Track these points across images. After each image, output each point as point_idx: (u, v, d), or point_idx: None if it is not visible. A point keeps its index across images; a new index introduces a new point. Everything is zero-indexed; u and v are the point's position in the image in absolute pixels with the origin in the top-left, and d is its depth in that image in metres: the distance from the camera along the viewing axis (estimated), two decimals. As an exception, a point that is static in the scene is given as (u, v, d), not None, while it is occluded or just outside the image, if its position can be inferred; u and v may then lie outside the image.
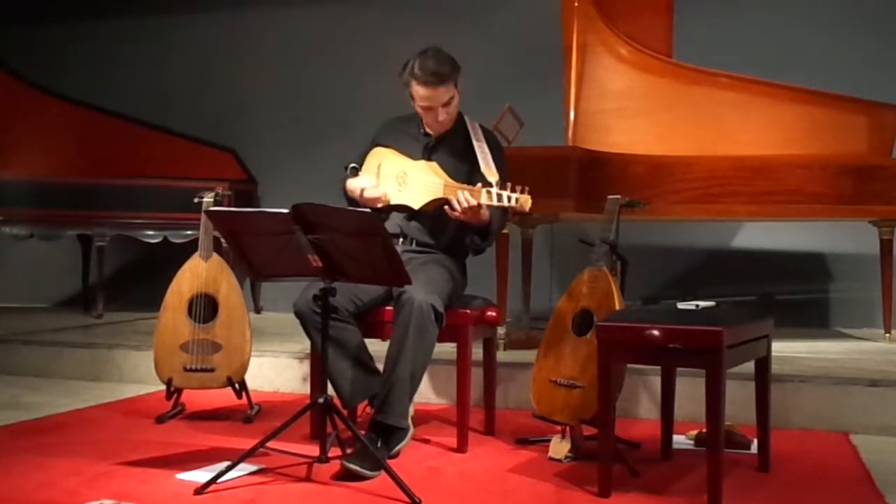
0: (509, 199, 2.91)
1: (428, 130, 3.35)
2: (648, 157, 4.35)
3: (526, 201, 2.90)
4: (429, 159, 3.27)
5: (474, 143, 3.22)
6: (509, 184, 2.94)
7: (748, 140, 4.54)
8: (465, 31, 5.75)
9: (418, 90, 3.19)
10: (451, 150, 3.31)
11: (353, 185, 3.28)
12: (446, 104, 3.22)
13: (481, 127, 3.31)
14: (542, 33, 5.19)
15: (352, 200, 3.32)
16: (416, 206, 3.19)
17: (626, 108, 4.68)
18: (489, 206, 3.03)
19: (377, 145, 3.39)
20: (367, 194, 3.23)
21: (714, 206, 4.38)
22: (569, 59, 4.52)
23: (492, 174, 3.05)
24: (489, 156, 3.17)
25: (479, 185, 2.99)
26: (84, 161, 5.94)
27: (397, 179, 3.25)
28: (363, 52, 6.14)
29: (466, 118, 3.34)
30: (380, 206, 3.23)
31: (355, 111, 5.50)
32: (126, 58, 6.81)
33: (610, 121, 4.64)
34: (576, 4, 4.51)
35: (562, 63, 4.55)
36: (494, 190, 2.93)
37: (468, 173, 3.21)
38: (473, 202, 2.98)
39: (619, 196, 3.27)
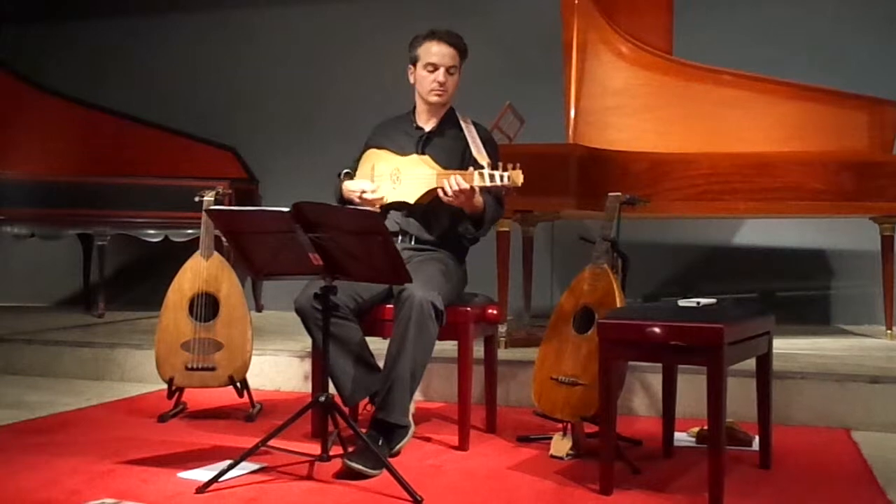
0: (501, 178, 2.92)
1: (419, 123, 3.36)
2: (649, 155, 4.35)
3: (517, 176, 2.91)
4: (422, 153, 3.28)
5: (465, 130, 3.23)
6: (500, 163, 2.95)
7: (749, 137, 4.54)
8: (465, 30, 5.69)
9: (430, 47, 3.28)
10: (443, 142, 3.32)
11: (351, 187, 3.29)
12: (450, 71, 3.28)
13: (473, 122, 3.32)
14: (542, 31, 5.19)
15: (344, 203, 3.32)
16: (412, 200, 3.19)
17: (627, 105, 4.68)
18: (484, 193, 3.05)
19: (370, 147, 3.40)
20: (366, 196, 3.23)
21: (715, 203, 4.38)
22: (569, 56, 4.51)
23: (483, 158, 3.06)
24: (479, 142, 3.19)
25: (471, 168, 3.00)
26: (85, 160, 5.94)
27: (391, 177, 3.26)
28: (364, 52, 6.14)
29: (457, 112, 3.35)
30: (378, 207, 3.23)
31: (356, 110, 5.50)
32: (126, 56, 6.81)
33: (610, 118, 4.64)
34: (576, 2, 4.50)
35: (562, 61, 4.54)
36: (486, 171, 2.94)
37: (461, 164, 3.22)
38: (465, 185, 2.98)
39: (619, 193, 3.27)
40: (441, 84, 3.27)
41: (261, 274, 2.95)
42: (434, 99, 3.31)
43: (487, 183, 2.94)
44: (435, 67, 3.27)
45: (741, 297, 5.42)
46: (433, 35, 3.29)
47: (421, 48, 3.30)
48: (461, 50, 3.30)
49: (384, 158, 3.32)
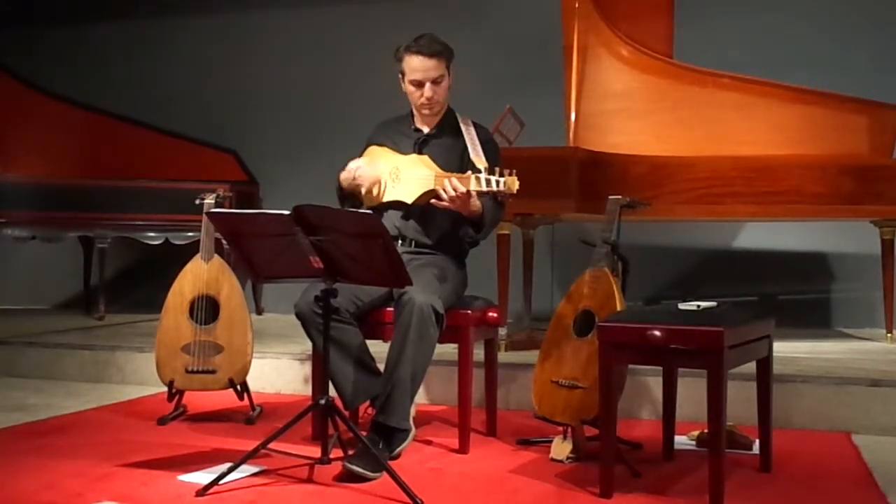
0: (497, 182, 2.91)
1: (419, 125, 3.36)
2: (650, 158, 4.35)
3: (513, 182, 2.89)
4: (420, 153, 3.28)
5: (464, 132, 3.22)
6: (497, 169, 2.94)
7: (749, 140, 4.54)
8: (465, 31, 5.74)
9: (410, 61, 3.23)
10: (442, 144, 3.32)
11: (347, 169, 3.29)
12: (436, 81, 3.24)
13: (474, 122, 3.32)
14: (542, 34, 5.20)
15: (345, 198, 3.33)
16: (410, 199, 3.19)
17: (628, 108, 4.68)
18: (482, 197, 3.04)
19: (372, 145, 3.40)
20: (360, 173, 3.23)
21: (715, 206, 4.38)
22: (569, 59, 4.52)
23: (480, 162, 3.05)
24: (478, 145, 3.18)
25: (468, 172, 2.99)
26: (85, 163, 5.95)
27: (390, 176, 3.26)
28: (363, 53, 6.14)
29: (458, 113, 3.35)
30: (375, 190, 3.22)
31: (356, 112, 5.50)
32: (127, 60, 6.82)
33: (611, 121, 4.64)
34: (576, 5, 4.51)
35: (562, 64, 4.55)
36: (483, 175, 2.93)
37: (460, 166, 3.22)
38: (462, 189, 2.97)
39: (620, 196, 3.27)
40: (429, 99, 3.26)
41: (261, 277, 2.95)
42: (425, 112, 3.32)
43: (483, 187, 2.93)
44: (420, 83, 3.25)
45: (741, 301, 5.42)
46: (412, 48, 3.23)
47: (404, 63, 3.26)
48: (444, 56, 3.25)
49: (385, 156, 3.32)
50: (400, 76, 3.32)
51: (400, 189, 3.23)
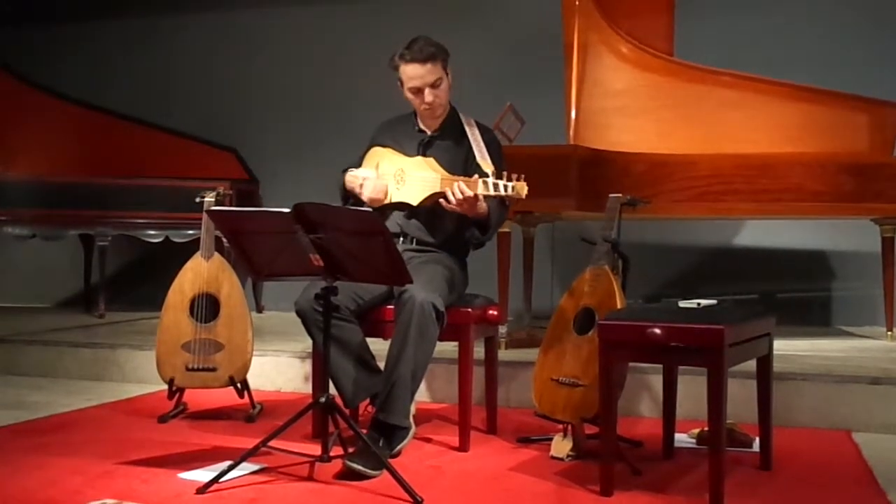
0: (505, 187, 2.91)
1: (422, 126, 3.36)
2: (650, 156, 4.35)
3: (522, 188, 2.91)
4: (424, 155, 3.28)
5: (469, 135, 3.23)
6: (505, 173, 2.95)
7: (750, 138, 4.54)
8: (465, 31, 5.74)
9: (406, 70, 3.22)
10: (446, 145, 3.32)
11: (354, 174, 3.29)
12: (434, 85, 3.23)
13: (477, 123, 3.32)
14: (542, 32, 5.19)
15: (348, 198, 3.33)
16: (415, 202, 3.19)
17: (628, 106, 4.67)
18: (487, 198, 3.04)
19: (375, 146, 3.40)
20: (367, 185, 3.22)
21: (716, 204, 4.38)
22: (570, 57, 4.52)
23: (487, 165, 3.06)
24: (484, 148, 3.18)
25: (476, 176, 2.99)
26: (86, 161, 5.95)
27: (395, 177, 3.26)
28: (364, 52, 6.12)
29: (461, 114, 3.35)
30: (381, 196, 3.22)
31: (356, 111, 5.51)
32: (128, 58, 6.81)
33: (611, 119, 4.64)
34: (577, 3, 4.50)
35: (563, 62, 4.55)
36: (490, 180, 2.93)
37: (464, 167, 3.22)
38: (469, 193, 2.97)
39: (620, 194, 3.27)
40: (430, 104, 3.25)
41: (261, 275, 2.95)
42: (427, 114, 3.32)
43: (491, 192, 2.93)
44: (419, 90, 3.24)
45: (742, 299, 5.42)
46: (405, 57, 3.20)
47: (399, 71, 3.24)
48: (439, 58, 3.22)
49: (389, 158, 3.32)
50: (399, 83, 3.30)
51: (405, 191, 3.23)
